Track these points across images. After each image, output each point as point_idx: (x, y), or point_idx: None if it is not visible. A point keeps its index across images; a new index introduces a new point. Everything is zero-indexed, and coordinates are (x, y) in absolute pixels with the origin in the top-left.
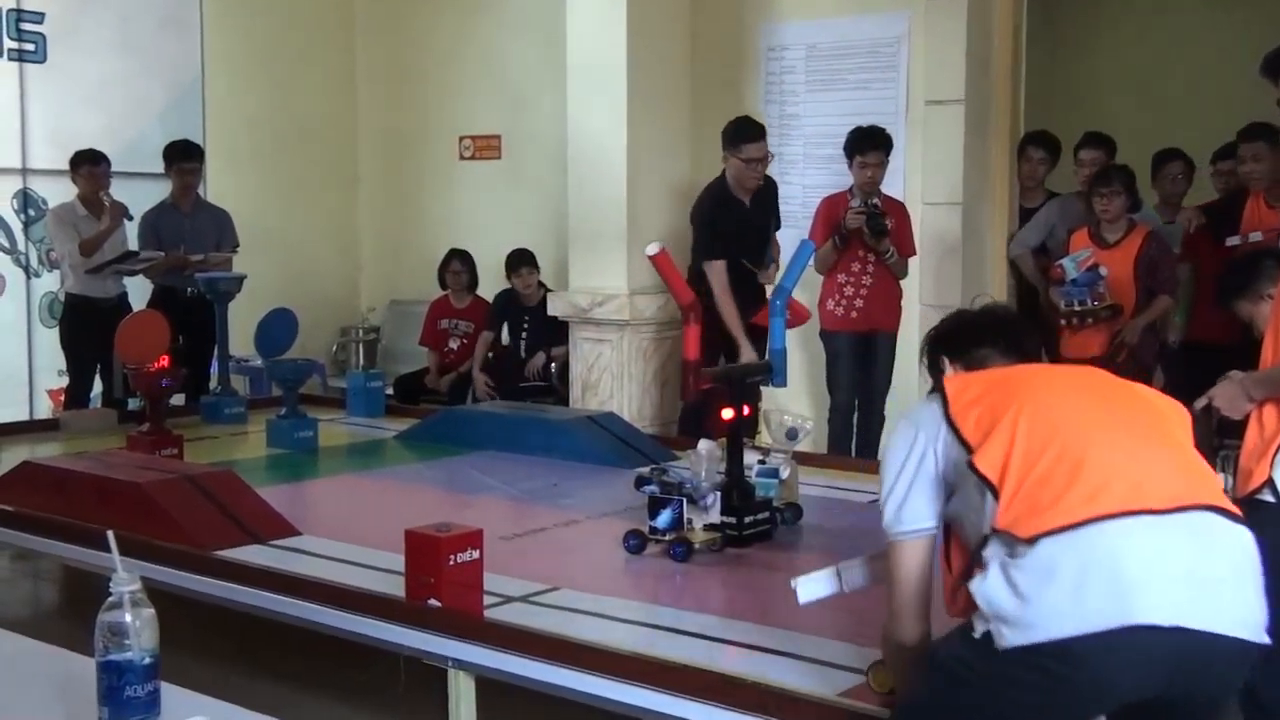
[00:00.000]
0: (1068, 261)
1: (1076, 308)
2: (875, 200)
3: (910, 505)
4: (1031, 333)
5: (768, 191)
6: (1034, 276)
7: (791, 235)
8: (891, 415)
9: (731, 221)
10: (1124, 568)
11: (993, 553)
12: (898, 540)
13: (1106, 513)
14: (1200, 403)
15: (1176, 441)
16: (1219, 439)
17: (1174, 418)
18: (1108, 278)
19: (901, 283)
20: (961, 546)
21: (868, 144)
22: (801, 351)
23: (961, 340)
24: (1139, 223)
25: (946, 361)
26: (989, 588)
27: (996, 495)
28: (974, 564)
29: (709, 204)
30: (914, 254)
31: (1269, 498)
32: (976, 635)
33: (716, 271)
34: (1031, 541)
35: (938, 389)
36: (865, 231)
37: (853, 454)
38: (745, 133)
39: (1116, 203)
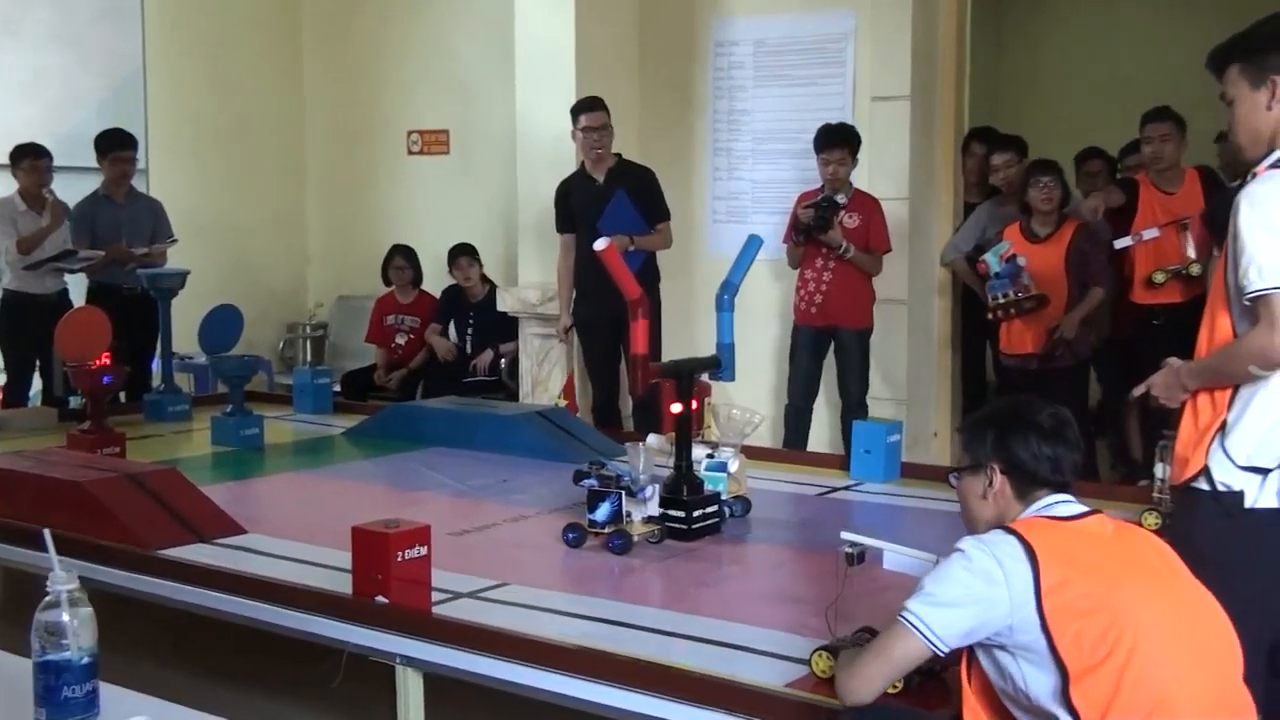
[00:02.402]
0: (990, 255)
1: (1000, 300)
2: (840, 195)
3: (944, 620)
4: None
5: (638, 179)
6: (970, 280)
7: (741, 230)
8: (891, 415)
9: (578, 198)
10: None
11: None
12: (909, 629)
13: None
14: (1138, 390)
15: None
16: (1157, 430)
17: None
18: (1037, 270)
19: (875, 280)
20: (981, 674)
21: (828, 141)
22: (765, 346)
23: (1023, 460)
24: (1070, 216)
25: (996, 468)
26: None
27: None
28: None
29: (561, 182)
30: (888, 249)
31: (1204, 486)
32: None
33: (559, 245)
34: None
35: (965, 472)
36: (811, 227)
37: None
38: (581, 104)
39: (1055, 194)
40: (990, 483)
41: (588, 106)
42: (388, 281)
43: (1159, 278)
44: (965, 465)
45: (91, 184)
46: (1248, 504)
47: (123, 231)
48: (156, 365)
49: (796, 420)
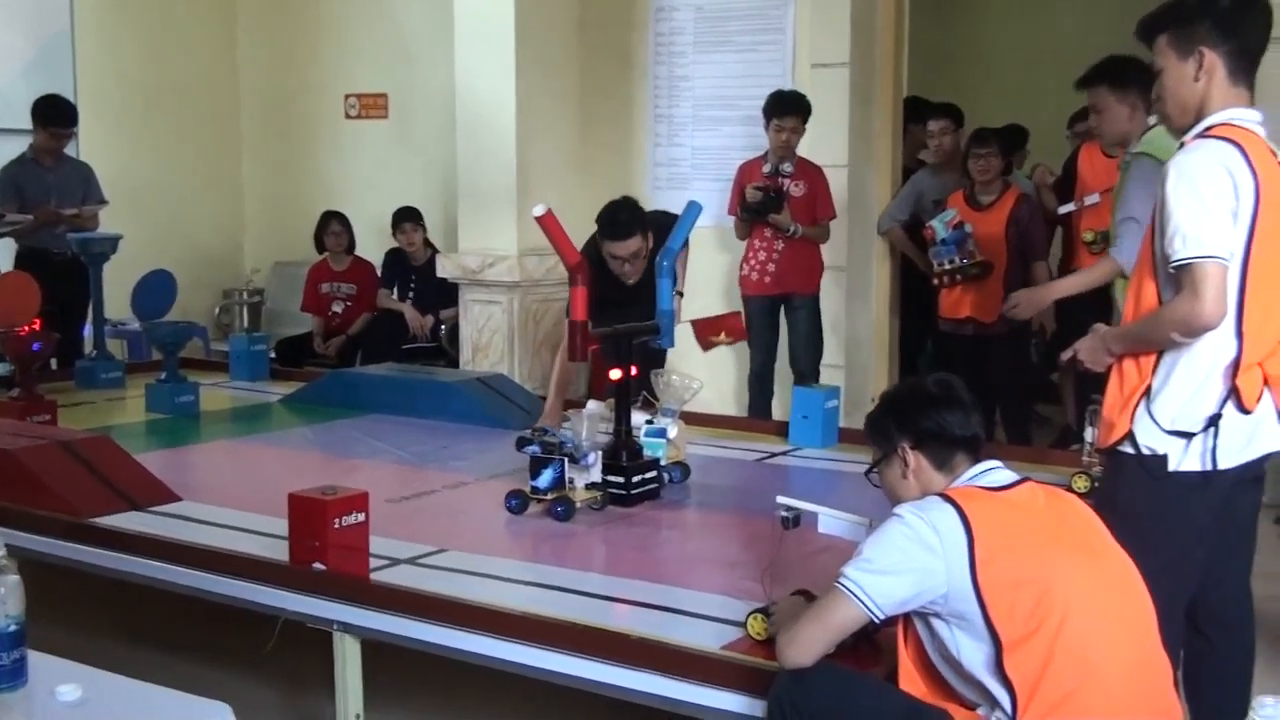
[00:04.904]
0: (936, 222)
1: (947, 266)
2: (786, 164)
3: (881, 587)
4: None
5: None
6: (907, 248)
7: (681, 197)
8: (830, 381)
9: (606, 283)
10: None
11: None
12: (846, 595)
13: None
14: (1066, 355)
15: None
16: (1088, 394)
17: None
18: (979, 237)
19: (823, 247)
20: (917, 640)
21: (784, 108)
22: (713, 313)
23: (928, 429)
24: (1012, 184)
25: (907, 446)
26: None
27: (1013, 696)
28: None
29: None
30: (834, 216)
31: (1129, 449)
32: None
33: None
34: None
35: (881, 464)
36: (759, 210)
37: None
38: (605, 230)
39: (994, 163)
40: (906, 462)
41: (615, 234)
42: (321, 248)
43: (1088, 237)
44: (879, 457)
45: (18, 146)
46: (1171, 467)
47: (51, 195)
48: (88, 331)
49: (760, 386)
